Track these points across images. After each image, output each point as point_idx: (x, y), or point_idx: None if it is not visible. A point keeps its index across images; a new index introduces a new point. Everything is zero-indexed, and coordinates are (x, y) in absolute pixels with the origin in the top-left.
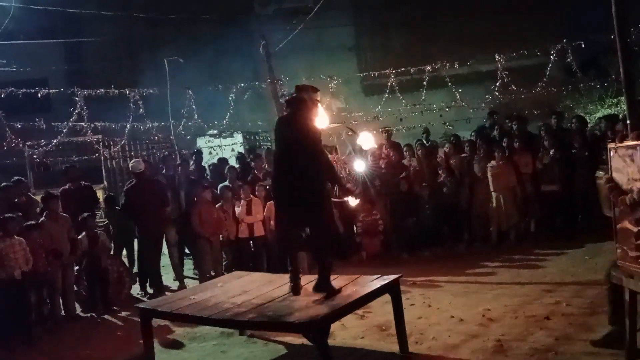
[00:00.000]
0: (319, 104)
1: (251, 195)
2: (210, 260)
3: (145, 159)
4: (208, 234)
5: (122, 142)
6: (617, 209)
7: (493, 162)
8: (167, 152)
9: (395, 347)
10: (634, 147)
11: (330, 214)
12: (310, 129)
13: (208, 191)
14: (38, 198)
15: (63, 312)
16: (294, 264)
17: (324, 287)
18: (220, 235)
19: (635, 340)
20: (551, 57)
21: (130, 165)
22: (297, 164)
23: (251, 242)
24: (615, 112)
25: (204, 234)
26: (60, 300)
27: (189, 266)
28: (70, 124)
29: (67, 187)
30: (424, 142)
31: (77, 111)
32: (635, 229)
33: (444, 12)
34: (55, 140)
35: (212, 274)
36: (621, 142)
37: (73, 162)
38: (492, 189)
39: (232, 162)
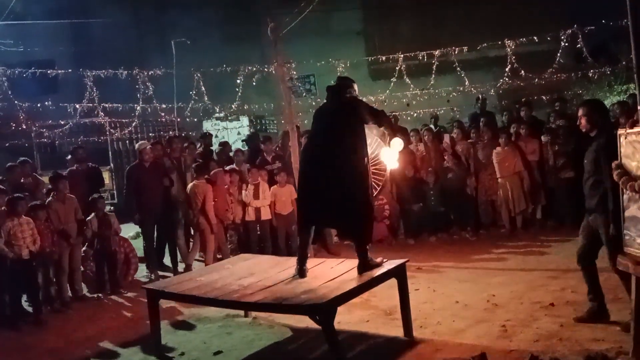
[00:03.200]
0: (355, 94)
1: (259, 179)
2: (214, 243)
3: (155, 141)
4: (219, 217)
5: (134, 123)
6: (626, 195)
7: (498, 149)
8: (173, 134)
9: (400, 332)
10: None
11: (370, 195)
12: (361, 103)
13: (227, 175)
14: (44, 179)
15: (70, 293)
16: (303, 247)
17: (367, 266)
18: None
19: None
20: (561, 42)
21: (136, 145)
22: (339, 146)
23: (257, 225)
24: (625, 99)
25: (213, 218)
26: (67, 281)
27: None
28: (78, 106)
29: (74, 168)
30: (432, 127)
31: (86, 93)
32: None
33: None
34: (65, 122)
35: (219, 256)
36: (631, 128)
37: (80, 144)
38: (498, 175)
39: (238, 145)
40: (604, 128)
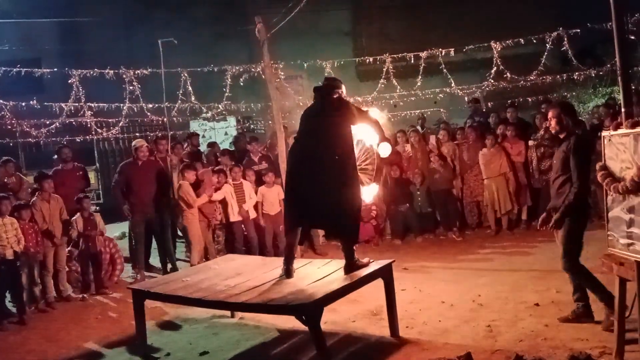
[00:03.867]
0: (343, 95)
1: (241, 179)
2: (202, 243)
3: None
4: (206, 217)
5: (120, 123)
6: (610, 196)
7: (484, 150)
8: (159, 134)
9: (386, 332)
10: (627, 135)
11: (358, 195)
12: (347, 104)
13: (215, 175)
14: (29, 179)
15: (54, 293)
16: (290, 248)
17: (354, 267)
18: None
19: (624, 327)
20: (547, 45)
21: (133, 143)
22: (327, 146)
23: (243, 225)
24: (609, 102)
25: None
26: (52, 281)
27: (180, 249)
28: (64, 105)
29: (59, 167)
30: (419, 129)
31: (72, 92)
32: (627, 217)
33: None
34: (51, 122)
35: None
36: (615, 130)
37: (66, 143)
38: (484, 176)
39: (225, 145)
40: (573, 130)
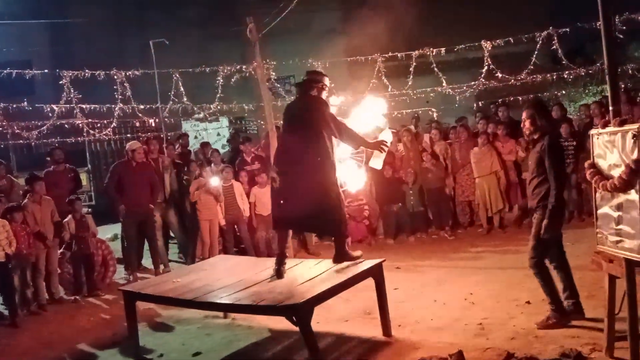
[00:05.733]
0: (326, 88)
1: (232, 180)
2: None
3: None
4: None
5: (112, 124)
6: (599, 194)
7: (476, 149)
8: (151, 135)
9: (378, 331)
10: (615, 134)
11: (339, 192)
12: (321, 108)
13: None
14: (20, 181)
15: (46, 295)
16: (281, 248)
17: (344, 257)
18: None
19: (614, 324)
20: (537, 44)
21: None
22: (308, 142)
23: (236, 226)
24: (602, 100)
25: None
26: (44, 283)
27: (173, 250)
28: (55, 107)
29: (50, 169)
30: (412, 128)
31: (63, 93)
32: (615, 214)
33: None
34: (42, 124)
35: (201, 257)
36: (603, 128)
37: (57, 145)
38: (475, 175)
39: (218, 146)
40: (546, 130)
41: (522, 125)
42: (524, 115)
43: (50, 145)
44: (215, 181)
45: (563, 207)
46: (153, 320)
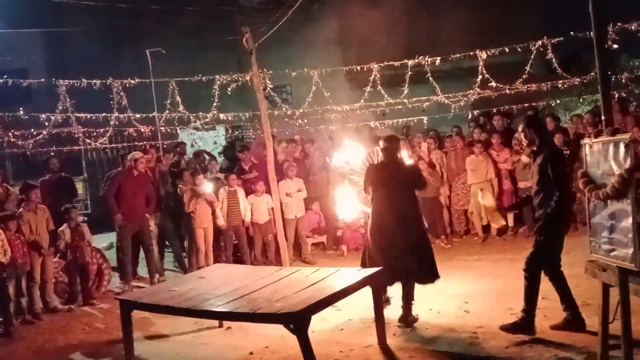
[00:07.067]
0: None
1: (235, 186)
2: (204, 251)
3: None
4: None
5: (108, 133)
6: (592, 203)
7: (472, 156)
8: (147, 145)
9: (374, 339)
10: (608, 143)
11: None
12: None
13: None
14: (16, 190)
15: (41, 304)
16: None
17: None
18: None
19: (608, 332)
20: (531, 53)
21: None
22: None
23: (234, 234)
24: (595, 109)
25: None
26: (38, 292)
27: (169, 259)
28: (51, 116)
29: (46, 178)
30: (404, 137)
31: (59, 102)
32: (608, 223)
33: (429, 7)
34: (38, 132)
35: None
36: (596, 137)
37: (53, 154)
38: (469, 182)
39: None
40: (543, 142)
41: (518, 138)
42: (519, 128)
43: (46, 154)
44: (208, 187)
45: (564, 213)
46: (148, 329)
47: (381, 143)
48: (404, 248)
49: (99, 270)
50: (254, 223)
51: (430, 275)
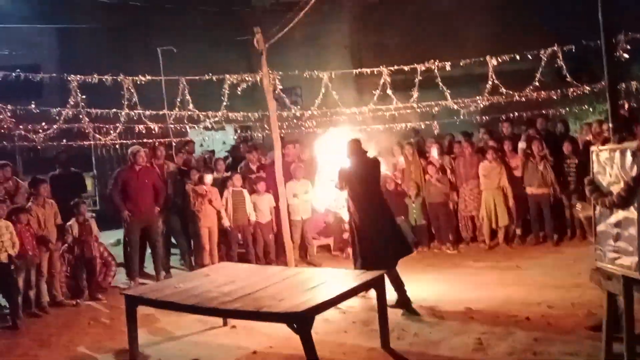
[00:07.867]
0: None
1: (239, 187)
2: (208, 249)
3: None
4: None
5: (118, 129)
6: (598, 211)
7: (485, 162)
8: (157, 142)
9: (377, 342)
10: (615, 151)
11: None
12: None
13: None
14: (26, 183)
15: (48, 298)
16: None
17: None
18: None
19: (612, 340)
20: (542, 61)
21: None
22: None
23: (239, 233)
24: (604, 118)
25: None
26: (45, 286)
27: (175, 256)
28: (62, 110)
29: (56, 172)
30: (412, 141)
31: (70, 98)
32: (613, 231)
33: (440, 12)
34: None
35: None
36: (603, 145)
37: (63, 149)
38: (482, 187)
39: (222, 154)
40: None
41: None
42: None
43: (56, 149)
44: (209, 178)
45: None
46: (152, 325)
47: (347, 145)
48: (388, 233)
49: (105, 265)
50: (257, 222)
51: (408, 249)
